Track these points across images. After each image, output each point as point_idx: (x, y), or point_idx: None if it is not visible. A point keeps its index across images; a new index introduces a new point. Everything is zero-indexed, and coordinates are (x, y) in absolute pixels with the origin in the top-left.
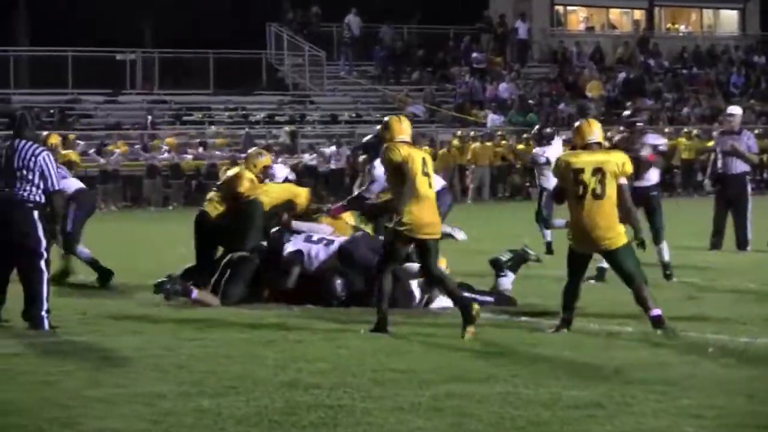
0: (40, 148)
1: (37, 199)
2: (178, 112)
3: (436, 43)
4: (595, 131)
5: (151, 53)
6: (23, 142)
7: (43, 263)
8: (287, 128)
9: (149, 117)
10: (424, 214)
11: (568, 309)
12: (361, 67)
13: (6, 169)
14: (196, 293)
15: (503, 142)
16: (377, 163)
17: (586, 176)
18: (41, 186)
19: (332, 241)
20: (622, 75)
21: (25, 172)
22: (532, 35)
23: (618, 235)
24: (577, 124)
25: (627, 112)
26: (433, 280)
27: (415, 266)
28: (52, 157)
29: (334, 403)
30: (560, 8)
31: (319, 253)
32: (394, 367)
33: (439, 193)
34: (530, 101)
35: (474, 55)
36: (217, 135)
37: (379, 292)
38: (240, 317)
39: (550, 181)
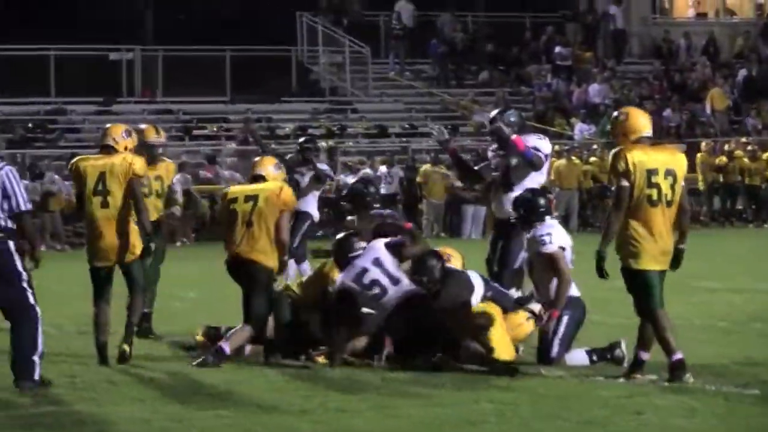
0: (3, 164)
1: (6, 224)
2: (186, 125)
3: (508, 36)
4: (648, 122)
5: (152, 51)
6: None
7: (30, 297)
8: (323, 144)
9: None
10: (97, 240)
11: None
12: (415, 67)
13: None
14: (227, 346)
15: (593, 158)
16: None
17: (660, 178)
18: (6, 208)
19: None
20: (742, 72)
21: None
22: (630, 24)
23: None
24: (619, 114)
25: None
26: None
27: None
28: (15, 173)
29: None
30: None
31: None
32: None
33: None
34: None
35: (557, 49)
36: (235, 153)
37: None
38: (266, 379)
39: None
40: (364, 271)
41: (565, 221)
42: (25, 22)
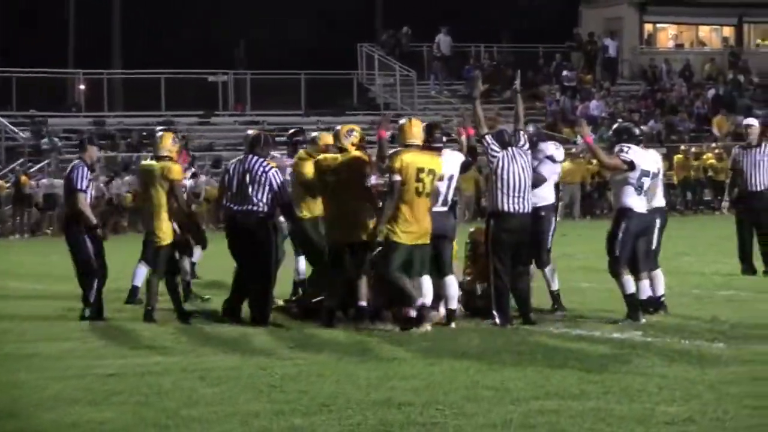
0: (269, 165)
1: (269, 210)
2: (270, 133)
3: (526, 62)
4: (421, 133)
5: (242, 75)
6: (254, 159)
7: (271, 270)
8: None
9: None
10: None
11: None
12: (451, 87)
13: (240, 186)
14: None
15: (595, 160)
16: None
17: (424, 175)
18: (271, 200)
19: None
20: (711, 92)
21: (256, 186)
22: (622, 53)
23: None
24: (403, 122)
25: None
26: None
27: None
28: (279, 174)
29: (427, 421)
30: (650, 26)
31: None
32: (487, 384)
33: None
34: (619, 119)
35: (564, 73)
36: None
37: None
38: (332, 337)
39: None
40: None
41: (569, 209)
42: (142, 52)
